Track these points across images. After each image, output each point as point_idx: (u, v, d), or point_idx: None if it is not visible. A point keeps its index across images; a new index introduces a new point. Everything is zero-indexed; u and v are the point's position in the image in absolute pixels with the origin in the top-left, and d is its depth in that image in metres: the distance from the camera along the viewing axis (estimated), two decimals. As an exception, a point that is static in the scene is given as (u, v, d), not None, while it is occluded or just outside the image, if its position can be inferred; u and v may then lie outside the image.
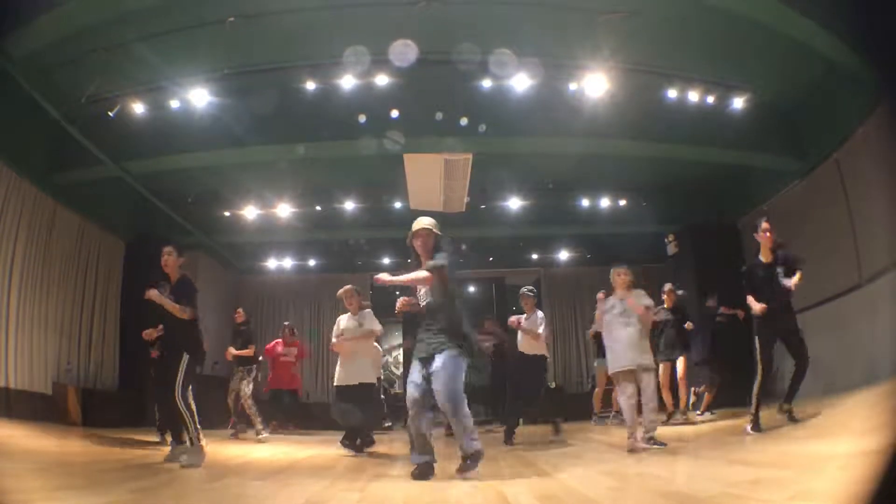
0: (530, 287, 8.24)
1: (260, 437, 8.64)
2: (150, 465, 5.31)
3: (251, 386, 9.10)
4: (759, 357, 5.94)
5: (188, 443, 5.41)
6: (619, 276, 6.32)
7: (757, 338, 6.03)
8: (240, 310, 9.93)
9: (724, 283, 8.98)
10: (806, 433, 5.23)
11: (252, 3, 6.97)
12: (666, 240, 12.76)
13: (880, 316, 6.82)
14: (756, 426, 5.77)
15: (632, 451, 5.59)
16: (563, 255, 15.00)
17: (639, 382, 5.90)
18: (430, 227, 4.70)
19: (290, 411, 10.64)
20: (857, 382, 6.47)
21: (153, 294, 5.61)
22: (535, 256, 15.07)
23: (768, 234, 6.00)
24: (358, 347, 7.14)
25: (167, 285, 5.87)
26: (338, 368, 7.23)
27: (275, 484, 4.31)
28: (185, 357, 5.60)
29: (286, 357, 10.31)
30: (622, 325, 6.05)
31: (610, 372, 6.17)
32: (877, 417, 3.00)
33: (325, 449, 6.91)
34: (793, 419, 5.85)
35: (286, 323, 10.85)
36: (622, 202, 11.85)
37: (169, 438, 6.11)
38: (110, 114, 8.14)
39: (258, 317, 14.84)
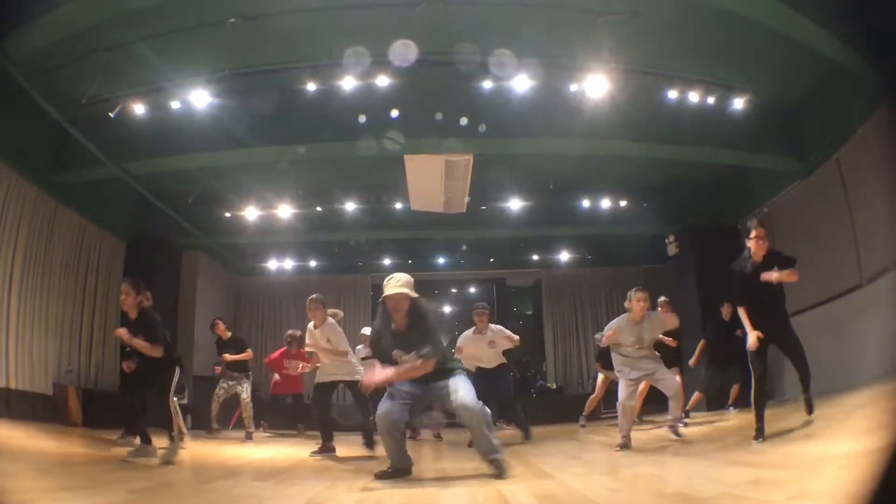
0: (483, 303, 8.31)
1: (250, 438, 8.83)
2: (151, 466, 5.31)
3: (249, 391, 9.34)
4: (750, 365, 5.63)
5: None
6: (640, 301, 6.26)
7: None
8: (220, 323, 9.66)
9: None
10: (805, 433, 5.22)
11: (253, 4, 6.97)
12: (666, 240, 12.76)
13: (880, 316, 6.81)
14: (760, 435, 5.37)
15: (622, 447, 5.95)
16: (564, 255, 14.99)
17: (657, 384, 6.28)
18: (406, 292, 4.48)
19: (293, 412, 10.60)
20: (857, 382, 6.47)
21: (121, 332, 5.59)
22: (535, 257, 15.07)
23: (762, 241, 5.52)
24: (326, 361, 6.97)
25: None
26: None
27: (276, 485, 4.31)
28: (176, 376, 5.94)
29: (288, 370, 10.13)
30: (639, 356, 6.22)
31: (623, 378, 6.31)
32: (877, 417, 2.99)
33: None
34: (810, 409, 5.54)
35: (291, 332, 10.18)
36: (623, 203, 11.86)
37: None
38: (111, 114, 8.14)
39: (258, 318, 14.87)
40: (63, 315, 9.07)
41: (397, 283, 4.50)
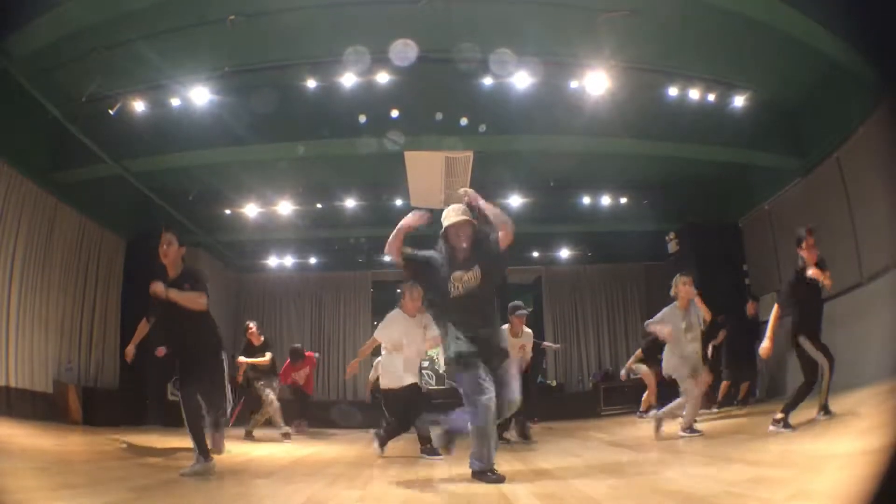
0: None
1: (283, 432, 8.74)
2: (151, 464, 5.31)
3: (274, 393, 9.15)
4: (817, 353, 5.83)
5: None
6: (685, 285, 6.39)
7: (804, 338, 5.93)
8: (252, 327, 9.40)
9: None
10: (806, 433, 5.22)
11: (253, 2, 6.97)
12: (667, 238, 12.76)
13: (880, 315, 6.81)
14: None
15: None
16: (564, 252, 15.00)
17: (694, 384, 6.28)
18: (469, 219, 4.39)
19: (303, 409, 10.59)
20: (858, 382, 6.47)
21: (159, 288, 4.61)
22: (535, 254, 15.07)
23: (814, 249, 5.75)
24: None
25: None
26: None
27: (276, 482, 4.32)
28: (224, 356, 5.08)
29: (296, 380, 10.30)
30: (689, 339, 6.34)
31: (674, 375, 6.42)
32: (877, 417, 3.00)
33: (326, 447, 6.91)
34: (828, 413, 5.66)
35: (295, 346, 10.64)
36: (623, 200, 11.87)
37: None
38: (111, 112, 8.14)
39: (259, 316, 14.84)
40: (63, 313, 9.07)
41: (457, 212, 4.43)
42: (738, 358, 8.99)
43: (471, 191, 4.51)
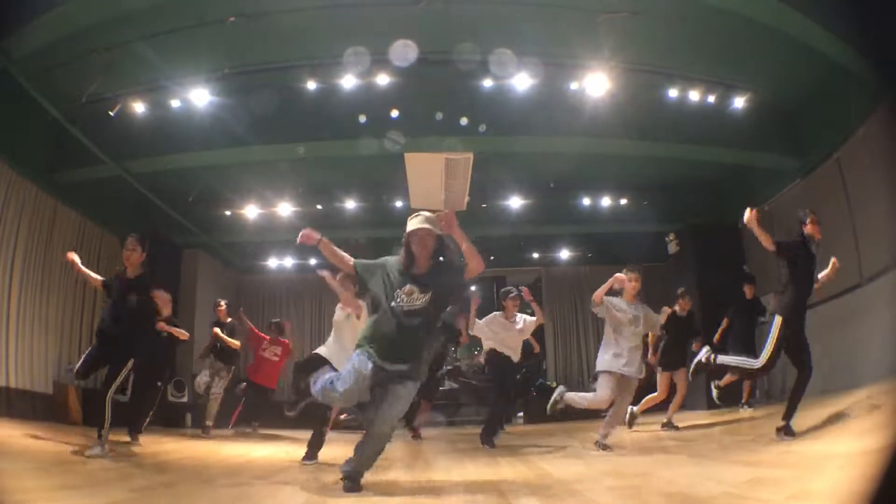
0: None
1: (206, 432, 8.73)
2: (150, 465, 5.31)
3: (223, 386, 9.09)
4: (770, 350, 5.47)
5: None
6: (631, 281, 6.13)
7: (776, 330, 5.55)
8: (222, 304, 9.36)
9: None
10: (806, 433, 5.22)
11: (252, 3, 6.97)
12: (667, 239, 12.76)
13: (880, 315, 6.81)
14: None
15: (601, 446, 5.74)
16: (564, 254, 14.99)
17: (626, 390, 5.86)
18: (431, 228, 4.13)
19: (261, 408, 9.90)
20: (857, 382, 6.46)
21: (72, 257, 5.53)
22: (535, 255, 15.06)
23: (818, 225, 5.72)
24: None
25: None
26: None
27: (274, 483, 4.31)
28: (130, 363, 5.59)
29: (266, 354, 9.59)
30: (631, 332, 5.93)
31: (608, 369, 5.84)
32: (876, 417, 2.99)
33: (325, 448, 6.87)
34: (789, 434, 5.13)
35: (274, 320, 10.11)
36: (623, 201, 11.87)
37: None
38: (111, 113, 8.15)
39: (258, 316, 14.81)
40: (63, 314, 9.07)
41: (424, 219, 4.18)
42: (745, 345, 8.85)
43: (447, 215, 4.22)
